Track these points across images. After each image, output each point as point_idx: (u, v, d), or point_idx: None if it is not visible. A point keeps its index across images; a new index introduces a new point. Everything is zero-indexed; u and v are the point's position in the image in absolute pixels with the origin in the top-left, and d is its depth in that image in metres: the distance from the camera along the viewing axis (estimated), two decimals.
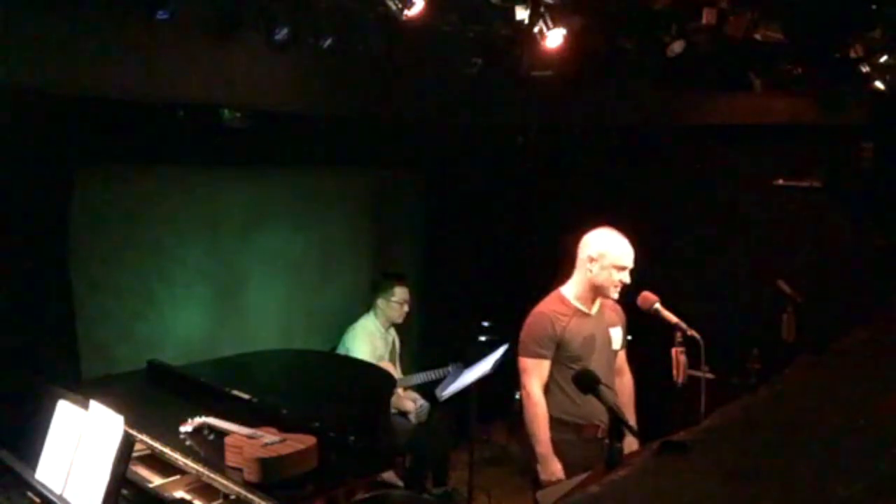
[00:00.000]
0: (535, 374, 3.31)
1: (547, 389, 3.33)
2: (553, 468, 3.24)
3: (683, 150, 5.43)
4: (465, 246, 6.09)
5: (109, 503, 2.21)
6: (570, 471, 3.18)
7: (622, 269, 3.28)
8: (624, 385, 3.57)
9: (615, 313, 3.51)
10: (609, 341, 3.44)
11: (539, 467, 3.28)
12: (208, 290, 4.74)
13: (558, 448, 3.31)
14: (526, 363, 3.34)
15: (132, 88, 3.57)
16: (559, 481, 3.22)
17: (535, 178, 6.14)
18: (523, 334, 3.38)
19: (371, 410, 3.45)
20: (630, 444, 3.06)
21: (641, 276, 3.40)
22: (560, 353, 3.31)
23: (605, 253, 3.29)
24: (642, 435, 2.98)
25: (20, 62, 3.15)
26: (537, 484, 3.29)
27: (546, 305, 3.39)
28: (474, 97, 5.00)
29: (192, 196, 4.62)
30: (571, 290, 3.41)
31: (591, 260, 3.31)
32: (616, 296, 3.35)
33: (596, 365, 3.29)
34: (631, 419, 3.39)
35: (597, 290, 3.36)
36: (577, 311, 3.37)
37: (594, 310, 3.42)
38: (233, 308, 4.89)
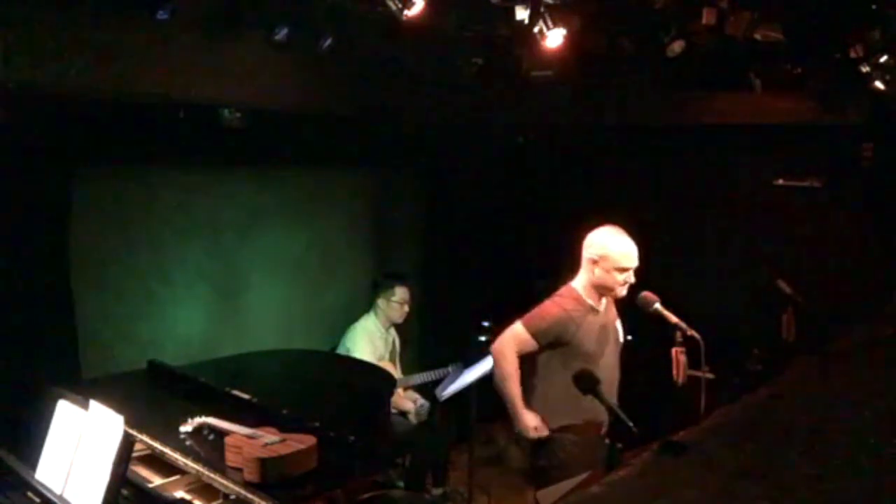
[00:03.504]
0: (520, 345, 3.31)
1: (557, 387, 3.30)
2: (528, 419, 3.26)
3: (684, 151, 5.43)
4: (465, 246, 6.09)
5: (109, 503, 2.21)
6: (574, 470, 3.18)
7: (624, 270, 3.27)
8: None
9: (614, 306, 3.52)
10: (617, 334, 3.47)
11: (516, 423, 3.29)
12: (208, 290, 4.73)
13: (564, 447, 3.31)
14: (521, 333, 3.31)
15: (132, 88, 3.57)
16: (536, 429, 3.23)
17: (535, 178, 6.13)
18: (538, 312, 3.34)
19: (371, 410, 3.44)
20: None
21: (641, 275, 3.40)
22: (573, 351, 3.29)
23: (607, 255, 3.27)
24: (642, 435, 2.98)
25: (20, 62, 3.15)
26: (537, 484, 3.29)
27: (566, 302, 3.35)
28: (474, 97, 5.00)
29: (192, 196, 4.62)
30: (582, 287, 3.39)
31: (593, 262, 3.31)
32: (623, 293, 3.34)
33: (608, 360, 3.32)
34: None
35: (602, 290, 3.36)
36: (591, 308, 3.37)
37: (603, 305, 3.42)
38: (233, 308, 4.89)
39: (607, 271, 3.27)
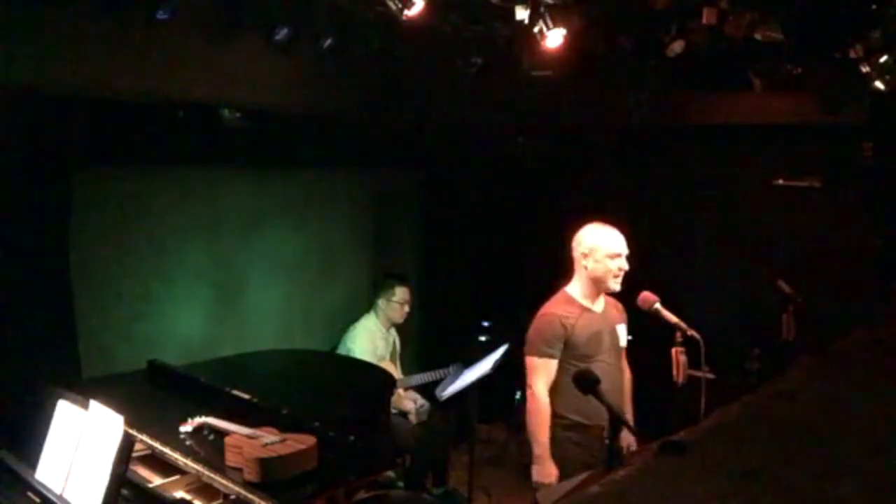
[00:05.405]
0: (543, 373, 3.32)
1: (556, 389, 3.32)
2: (549, 470, 3.24)
3: (684, 150, 5.43)
4: (465, 246, 6.09)
5: (109, 503, 2.21)
6: (572, 470, 3.17)
7: (616, 256, 3.32)
8: (624, 381, 3.59)
9: (618, 311, 3.53)
10: (616, 339, 3.45)
11: (534, 468, 3.28)
12: (208, 290, 4.73)
13: (563, 446, 3.31)
14: (534, 362, 3.34)
15: (132, 88, 3.57)
16: (550, 484, 3.22)
17: (535, 178, 6.13)
18: (532, 333, 3.38)
19: (371, 410, 3.44)
20: (626, 438, 3.07)
21: (641, 275, 3.40)
22: (568, 352, 3.31)
23: (596, 246, 3.33)
24: (642, 435, 2.98)
25: (20, 62, 3.15)
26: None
27: (554, 306, 3.40)
28: (474, 97, 5.00)
29: (192, 196, 4.61)
30: (576, 288, 3.42)
31: (585, 256, 3.36)
32: (618, 286, 3.36)
33: (604, 363, 3.30)
34: (629, 415, 3.42)
35: (598, 284, 3.38)
36: (585, 309, 3.38)
37: (600, 307, 3.43)
38: (233, 308, 4.88)
39: (599, 261, 3.32)
